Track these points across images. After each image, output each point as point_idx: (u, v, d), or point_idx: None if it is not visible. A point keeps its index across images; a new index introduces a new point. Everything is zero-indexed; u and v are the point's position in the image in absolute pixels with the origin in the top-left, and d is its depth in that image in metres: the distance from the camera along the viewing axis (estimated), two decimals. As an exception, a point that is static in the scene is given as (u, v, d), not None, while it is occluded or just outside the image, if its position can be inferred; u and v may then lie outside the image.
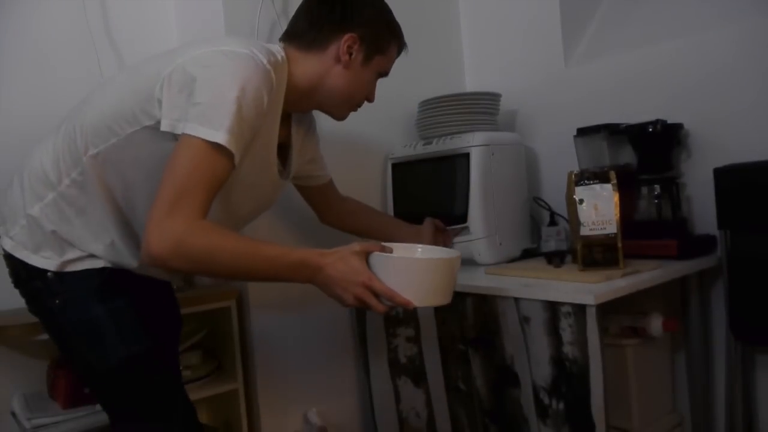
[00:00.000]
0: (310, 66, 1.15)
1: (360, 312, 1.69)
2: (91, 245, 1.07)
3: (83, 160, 1.04)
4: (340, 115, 1.25)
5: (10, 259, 1.09)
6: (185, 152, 0.94)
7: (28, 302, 1.14)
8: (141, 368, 1.09)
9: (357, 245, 1.02)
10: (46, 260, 1.06)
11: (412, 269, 1.01)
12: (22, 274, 1.08)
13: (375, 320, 1.64)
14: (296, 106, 1.21)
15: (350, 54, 1.15)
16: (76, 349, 1.09)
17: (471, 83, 2.10)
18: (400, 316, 1.57)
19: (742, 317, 1.39)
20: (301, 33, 1.17)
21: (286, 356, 1.63)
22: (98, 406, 1.37)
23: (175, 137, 0.96)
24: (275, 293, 1.61)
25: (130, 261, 1.09)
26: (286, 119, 1.20)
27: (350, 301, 1.00)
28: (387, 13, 1.22)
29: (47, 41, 1.60)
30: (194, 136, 0.93)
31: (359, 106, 1.25)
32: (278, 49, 1.13)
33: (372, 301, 0.99)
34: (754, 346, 1.45)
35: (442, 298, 1.04)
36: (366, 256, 1.01)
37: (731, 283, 1.40)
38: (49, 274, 1.05)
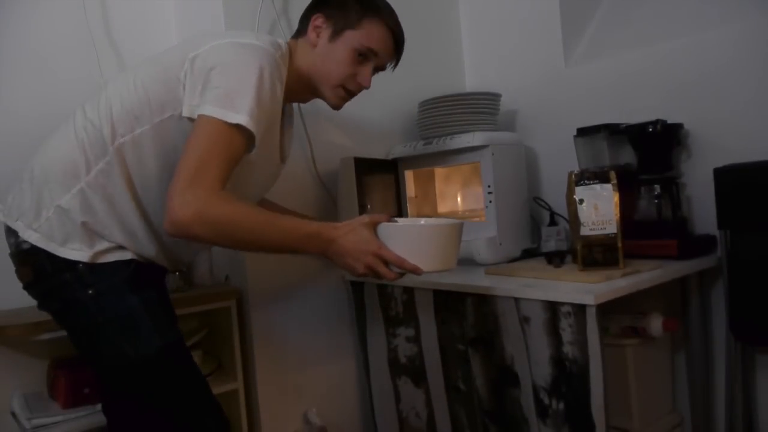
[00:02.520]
0: (300, 54, 1.21)
1: (360, 312, 1.69)
2: (118, 236, 1.09)
3: (110, 149, 1.06)
4: (330, 101, 1.24)
5: (33, 253, 1.07)
6: (205, 130, 0.99)
7: (46, 298, 1.13)
8: (175, 357, 1.11)
9: (366, 217, 1.08)
10: (76, 252, 1.06)
11: (419, 236, 1.07)
12: (48, 267, 1.07)
13: (375, 320, 1.64)
14: (297, 96, 1.25)
15: (317, 34, 1.20)
16: (108, 341, 1.08)
17: (471, 83, 2.10)
18: (401, 316, 1.57)
19: (742, 317, 1.39)
20: (298, 24, 1.25)
21: (286, 356, 1.63)
22: (98, 406, 1.37)
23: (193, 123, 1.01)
24: (275, 293, 1.61)
25: (150, 250, 1.12)
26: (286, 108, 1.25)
27: (361, 270, 1.06)
28: None
29: (47, 41, 1.59)
30: (213, 117, 0.98)
31: (350, 92, 1.23)
32: (283, 42, 1.18)
33: (382, 269, 1.05)
34: (754, 346, 1.45)
35: (448, 264, 1.09)
36: (375, 226, 1.07)
37: (731, 283, 1.40)
38: (80, 265, 1.05)
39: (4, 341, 1.41)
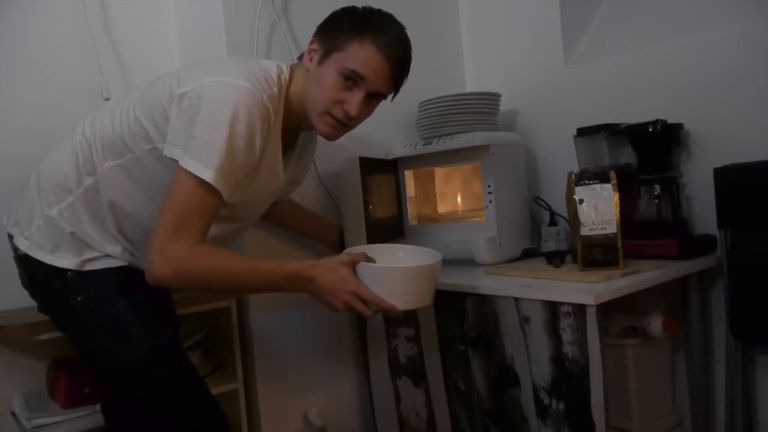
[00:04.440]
0: (296, 80, 1.16)
1: (360, 312, 1.69)
2: (107, 246, 1.11)
3: (98, 171, 1.09)
4: (319, 130, 1.17)
5: (26, 260, 1.11)
6: (182, 183, 0.99)
7: (42, 302, 1.17)
8: (167, 358, 1.13)
9: (345, 256, 1.10)
10: (64, 260, 1.09)
11: (394, 277, 1.11)
12: (40, 275, 1.11)
13: (375, 320, 1.64)
14: (300, 126, 1.21)
15: (311, 57, 1.14)
16: (101, 345, 1.11)
17: (471, 83, 2.10)
18: (401, 317, 1.57)
19: (742, 317, 1.38)
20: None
21: (286, 356, 1.63)
22: (98, 406, 1.37)
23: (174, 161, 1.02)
24: (275, 294, 1.61)
25: (141, 264, 1.12)
26: (294, 135, 1.24)
27: (340, 307, 1.08)
28: (349, 13, 1.15)
29: (47, 43, 1.59)
30: (188, 171, 0.99)
31: (337, 119, 1.14)
32: (285, 70, 1.14)
33: (360, 306, 1.08)
34: (754, 346, 1.45)
35: (423, 301, 1.14)
36: (353, 265, 1.09)
37: (731, 283, 1.39)
38: (69, 273, 1.09)
39: (4, 341, 1.41)
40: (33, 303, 1.20)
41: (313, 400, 1.66)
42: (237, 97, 1.00)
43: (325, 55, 1.12)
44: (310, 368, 1.67)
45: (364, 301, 1.08)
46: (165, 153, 1.02)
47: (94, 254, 1.11)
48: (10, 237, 1.15)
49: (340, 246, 1.61)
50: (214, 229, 1.08)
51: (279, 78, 1.10)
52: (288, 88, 1.14)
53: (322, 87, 1.11)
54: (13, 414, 1.41)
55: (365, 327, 1.68)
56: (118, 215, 1.11)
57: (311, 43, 1.15)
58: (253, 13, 1.58)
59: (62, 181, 1.10)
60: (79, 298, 1.09)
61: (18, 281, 1.18)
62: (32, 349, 1.47)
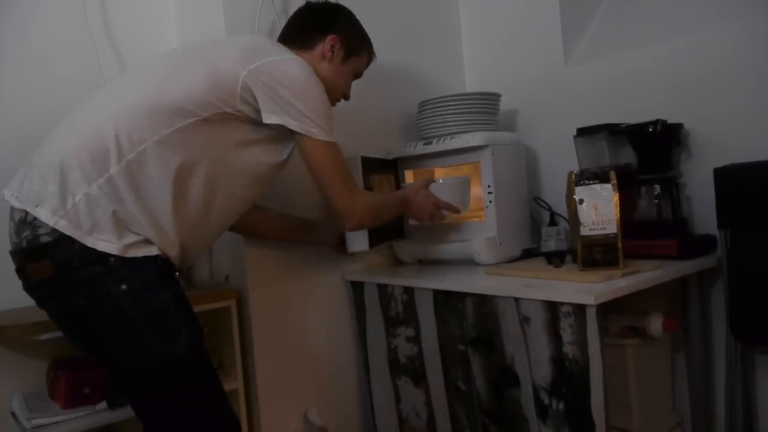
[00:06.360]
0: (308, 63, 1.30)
1: (360, 312, 1.69)
2: (144, 228, 1.08)
3: (151, 139, 1.07)
4: None
5: (55, 245, 1.03)
6: (327, 152, 1.23)
7: (65, 294, 1.06)
8: (201, 354, 1.12)
9: (423, 181, 1.52)
10: (105, 243, 1.03)
11: (459, 187, 1.55)
12: (74, 260, 1.03)
13: (375, 320, 1.64)
14: None
15: (332, 52, 1.37)
16: (140, 338, 1.05)
17: (471, 83, 2.10)
18: (401, 316, 1.57)
19: (742, 317, 1.39)
20: (294, 35, 1.38)
21: (286, 356, 1.63)
22: (98, 406, 1.37)
23: (261, 126, 1.19)
24: (275, 293, 1.61)
25: (171, 248, 1.12)
26: None
27: (426, 216, 1.49)
28: (358, 23, 1.44)
29: (47, 41, 1.60)
30: (324, 140, 1.21)
31: (338, 101, 1.43)
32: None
33: (438, 214, 1.50)
34: (754, 346, 1.45)
35: (468, 205, 1.59)
36: (428, 186, 1.51)
37: (731, 283, 1.40)
38: (111, 259, 1.03)
39: (4, 341, 1.41)
40: (34, 302, 1.12)
41: (313, 400, 1.66)
42: (307, 68, 1.23)
43: (347, 56, 1.39)
44: (310, 368, 1.67)
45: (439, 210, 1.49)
46: (270, 121, 1.17)
47: (134, 238, 1.06)
48: (29, 224, 1.05)
49: (340, 246, 1.61)
50: (260, 189, 1.28)
51: None
52: None
53: (343, 81, 1.41)
54: (13, 414, 1.41)
55: (365, 327, 1.68)
56: (175, 185, 1.09)
57: (331, 39, 1.36)
58: (253, 13, 1.59)
59: (100, 156, 1.05)
60: (123, 286, 1.03)
61: (17, 280, 1.10)
62: (32, 349, 1.47)
